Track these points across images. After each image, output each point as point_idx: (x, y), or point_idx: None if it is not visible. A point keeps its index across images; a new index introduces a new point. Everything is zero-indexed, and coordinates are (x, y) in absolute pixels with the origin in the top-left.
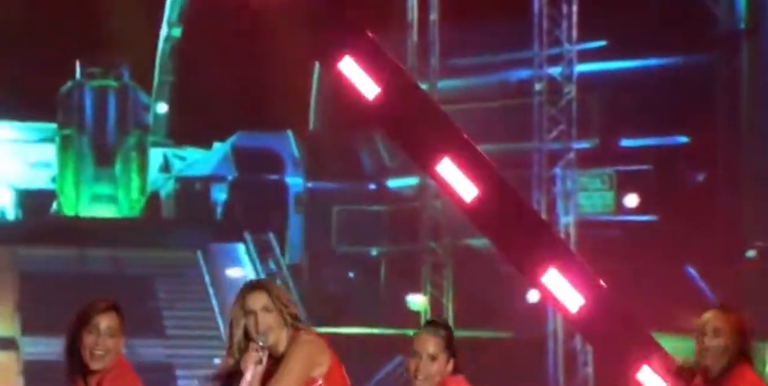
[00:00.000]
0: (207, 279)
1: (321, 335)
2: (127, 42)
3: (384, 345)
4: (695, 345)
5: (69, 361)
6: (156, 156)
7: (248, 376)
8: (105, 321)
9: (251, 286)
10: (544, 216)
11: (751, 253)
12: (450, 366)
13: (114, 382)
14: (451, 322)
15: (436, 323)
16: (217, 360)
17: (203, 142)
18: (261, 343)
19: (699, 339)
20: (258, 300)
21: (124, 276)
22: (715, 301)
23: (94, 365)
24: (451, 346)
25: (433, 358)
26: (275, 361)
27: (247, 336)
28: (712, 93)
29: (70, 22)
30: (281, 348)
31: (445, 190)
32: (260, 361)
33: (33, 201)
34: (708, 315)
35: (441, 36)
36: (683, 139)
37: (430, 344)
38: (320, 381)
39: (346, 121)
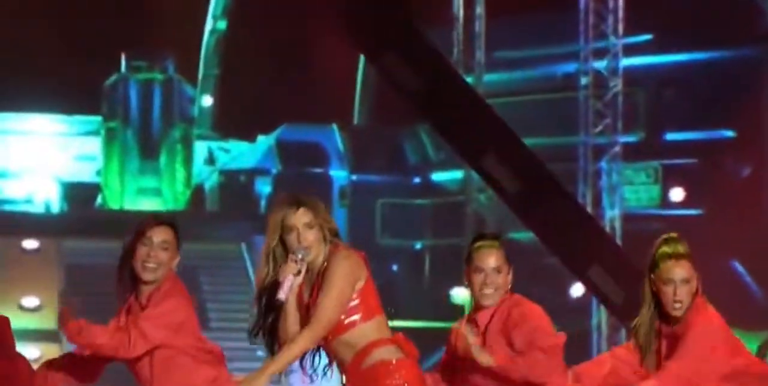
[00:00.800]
0: (251, 271)
1: (357, 250)
2: (172, 35)
3: (427, 339)
4: (663, 296)
5: (120, 273)
6: (201, 149)
7: (286, 287)
8: (159, 235)
9: (292, 202)
10: (589, 209)
11: None
12: (510, 277)
13: (165, 296)
14: None
15: (489, 236)
16: (260, 353)
17: (248, 134)
18: (300, 256)
19: (668, 290)
20: (301, 217)
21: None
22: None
23: (146, 276)
24: (508, 258)
25: (498, 270)
26: (312, 274)
27: (284, 245)
28: (758, 87)
29: (116, 15)
30: (319, 261)
31: (489, 183)
32: (299, 273)
33: (78, 194)
34: (673, 265)
35: (487, 29)
36: (729, 133)
37: (493, 258)
38: (355, 296)
39: (391, 115)
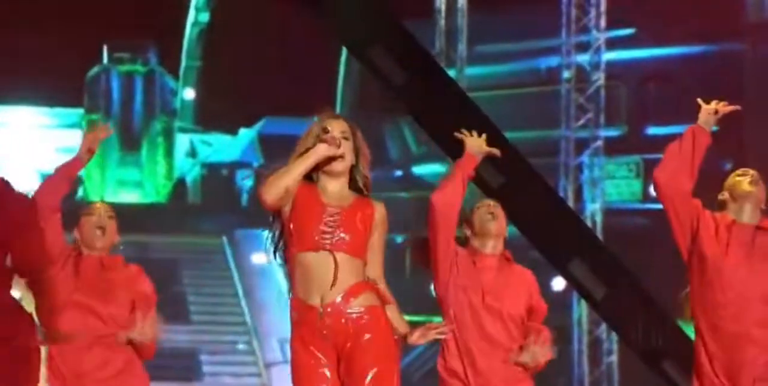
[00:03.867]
0: (232, 265)
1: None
2: (154, 27)
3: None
4: (738, 192)
5: None
6: (182, 141)
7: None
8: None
9: (335, 114)
10: (571, 203)
11: None
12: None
13: None
14: None
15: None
16: (241, 346)
17: (230, 127)
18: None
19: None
20: (339, 125)
21: (149, 261)
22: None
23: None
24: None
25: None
26: (340, 202)
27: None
28: (740, 81)
29: (98, 7)
30: (342, 182)
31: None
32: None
33: None
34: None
35: (469, 23)
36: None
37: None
38: None
39: (373, 108)
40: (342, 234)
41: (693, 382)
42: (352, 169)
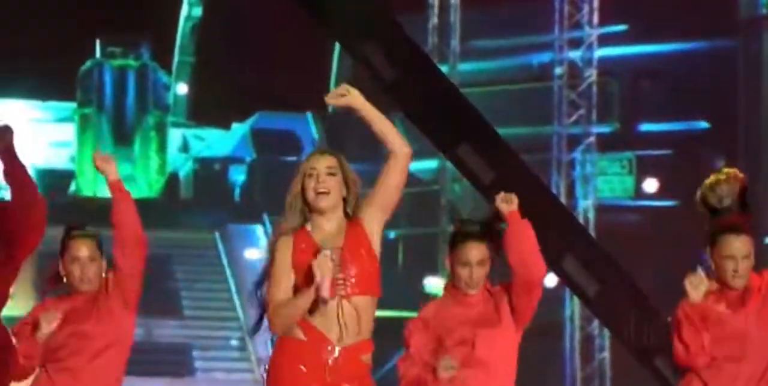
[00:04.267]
0: (225, 260)
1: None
2: (147, 22)
3: (400, 328)
4: (725, 270)
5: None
6: (175, 136)
7: (326, 285)
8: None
9: (321, 150)
10: (563, 200)
11: None
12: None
13: None
14: None
15: (471, 224)
16: (233, 342)
17: (222, 122)
18: (329, 253)
19: (731, 264)
20: (324, 161)
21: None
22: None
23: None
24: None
25: (482, 264)
26: (332, 228)
27: (303, 198)
28: (733, 78)
29: (91, 1)
30: (337, 215)
31: (464, 173)
32: (333, 266)
33: (52, 180)
34: (736, 239)
35: (462, 18)
36: (703, 125)
37: (478, 252)
38: None
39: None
40: (352, 278)
41: None
42: (344, 200)
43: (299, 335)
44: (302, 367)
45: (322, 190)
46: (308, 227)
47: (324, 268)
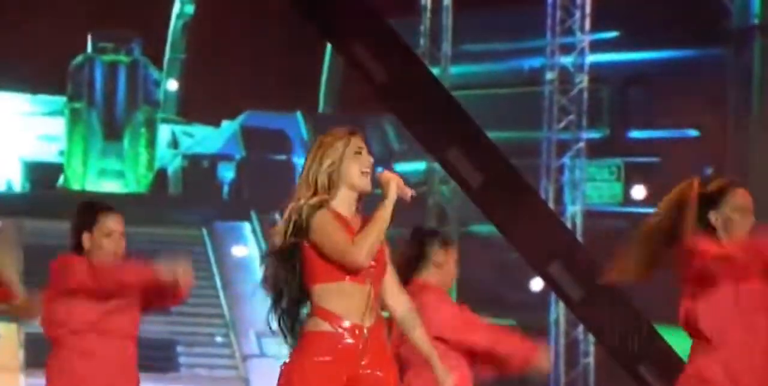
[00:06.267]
0: (212, 257)
1: None
2: (139, 18)
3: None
4: (737, 223)
5: None
6: (164, 132)
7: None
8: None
9: (353, 130)
10: (551, 205)
11: None
12: None
13: None
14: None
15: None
16: (219, 338)
17: (212, 119)
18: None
19: (743, 218)
20: (362, 141)
21: (129, 252)
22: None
23: None
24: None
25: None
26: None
27: (328, 177)
28: (723, 87)
29: None
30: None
31: (452, 175)
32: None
33: (40, 174)
34: (744, 193)
35: (454, 22)
36: (693, 132)
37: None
38: None
39: (356, 105)
40: (379, 268)
41: None
42: None
43: (325, 327)
44: (328, 359)
45: (366, 170)
46: (340, 211)
47: (389, 176)
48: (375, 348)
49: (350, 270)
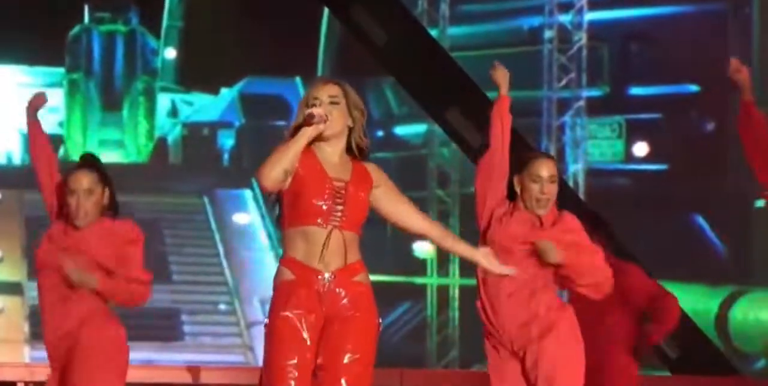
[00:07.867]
0: (213, 224)
1: None
2: None
3: (390, 293)
4: (531, 192)
5: None
6: (163, 101)
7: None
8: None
9: (325, 79)
10: None
11: (760, 203)
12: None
13: None
14: (457, 270)
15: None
16: (222, 306)
17: (211, 87)
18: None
19: (537, 186)
20: (327, 90)
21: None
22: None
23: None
24: None
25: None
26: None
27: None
28: (722, 41)
29: None
30: (338, 149)
31: (452, 137)
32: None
33: None
34: (545, 162)
35: None
36: (693, 88)
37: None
38: None
39: (355, 68)
40: (348, 212)
41: None
42: (349, 132)
43: (287, 275)
44: (293, 311)
45: (324, 125)
46: (318, 156)
47: (308, 130)
48: (352, 291)
49: (310, 214)
